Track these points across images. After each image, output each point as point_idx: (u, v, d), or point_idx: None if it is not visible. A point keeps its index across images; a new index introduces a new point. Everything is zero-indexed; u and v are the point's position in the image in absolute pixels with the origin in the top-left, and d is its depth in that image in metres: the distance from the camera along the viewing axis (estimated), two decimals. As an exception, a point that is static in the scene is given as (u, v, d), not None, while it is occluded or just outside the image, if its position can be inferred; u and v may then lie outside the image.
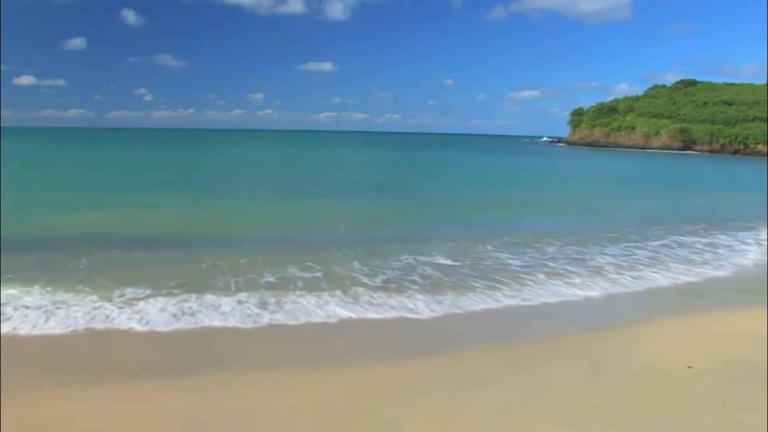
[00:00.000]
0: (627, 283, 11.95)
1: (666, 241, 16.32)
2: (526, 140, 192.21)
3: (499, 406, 6.11)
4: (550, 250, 14.63)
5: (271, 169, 45.34)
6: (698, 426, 5.74)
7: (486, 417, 5.87)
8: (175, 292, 9.86)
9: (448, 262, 12.99)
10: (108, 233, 15.40)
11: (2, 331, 7.90)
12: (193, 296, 9.68)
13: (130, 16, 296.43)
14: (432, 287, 10.92)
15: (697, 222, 19.97)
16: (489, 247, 14.63)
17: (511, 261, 13.27)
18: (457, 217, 20.83)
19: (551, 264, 13.13)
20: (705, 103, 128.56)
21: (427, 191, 29.56)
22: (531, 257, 13.74)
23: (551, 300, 10.59)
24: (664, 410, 6.07)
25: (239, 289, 10.26)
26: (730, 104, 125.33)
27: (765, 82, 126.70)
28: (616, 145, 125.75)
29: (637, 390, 6.57)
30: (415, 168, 52.34)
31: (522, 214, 22.07)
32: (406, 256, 13.21)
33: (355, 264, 12.41)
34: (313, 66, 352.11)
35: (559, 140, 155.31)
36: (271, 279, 11.07)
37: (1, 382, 6.36)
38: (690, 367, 7.26)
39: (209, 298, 9.63)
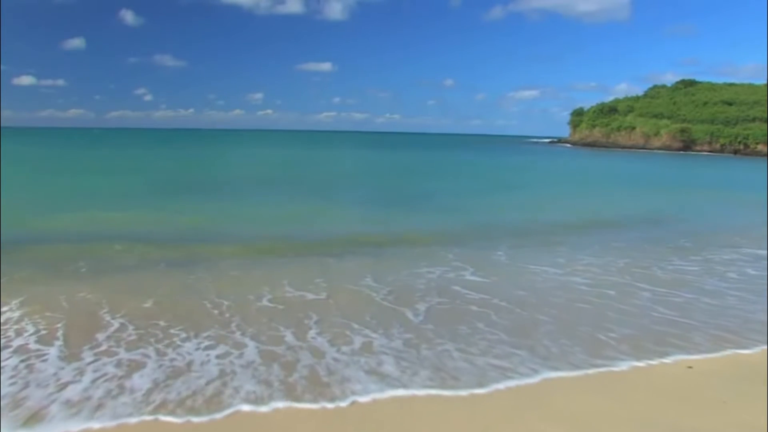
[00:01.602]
0: None
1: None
2: (532, 140, 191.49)
3: (499, 407, 6.08)
4: (597, 262, 13.00)
5: (271, 171, 44.94)
6: (698, 426, 5.71)
7: (486, 417, 5.84)
8: (169, 334, 7.77)
9: (478, 278, 11.33)
10: (101, 237, 14.99)
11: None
12: (183, 347, 7.32)
13: (128, 16, 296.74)
14: (514, 334, 8.16)
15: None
16: (499, 253, 13.81)
17: (578, 282, 11.27)
18: (467, 221, 19.67)
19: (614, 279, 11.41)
20: (705, 103, 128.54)
21: (433, 193, 28.90)
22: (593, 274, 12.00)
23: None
24: (664, 410, 6.05)
25: (240, 331, 8.01)
26: (730, 104, 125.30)
27: (765, 82, 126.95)
28: (616, 146, 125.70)
29: (637, 390, 6.55)
30: (418, 169, 51.29)
31: (544, 218, 20.64)
32: (425, 269, 11.91)
33: (368, 280, 10.84)
34: (312, 66, 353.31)
35: (559, 140, 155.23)
36: (273, 305, 9.29)
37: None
38: (690, 367, 7.23)
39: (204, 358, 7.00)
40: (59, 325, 8.14)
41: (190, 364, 6.85)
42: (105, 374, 6.51)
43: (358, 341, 7.73)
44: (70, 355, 7.06)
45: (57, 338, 7.64)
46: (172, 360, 6.94)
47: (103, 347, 7.35)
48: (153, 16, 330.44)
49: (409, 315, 8.98)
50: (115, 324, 8.19)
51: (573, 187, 35.74)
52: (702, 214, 24.59)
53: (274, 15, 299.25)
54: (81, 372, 6.58)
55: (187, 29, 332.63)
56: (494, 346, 7.70)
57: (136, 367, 6.73)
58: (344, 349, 7.45)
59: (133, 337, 7.70)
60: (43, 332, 7.84)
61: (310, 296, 9.86)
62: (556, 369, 7.00)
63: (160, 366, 6.75)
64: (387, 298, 9.85)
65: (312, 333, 8.03)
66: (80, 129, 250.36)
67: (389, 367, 6.89)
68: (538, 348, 7.68)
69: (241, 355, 7.13)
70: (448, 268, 12.16)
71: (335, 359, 7.09)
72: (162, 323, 8.29)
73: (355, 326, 8.32)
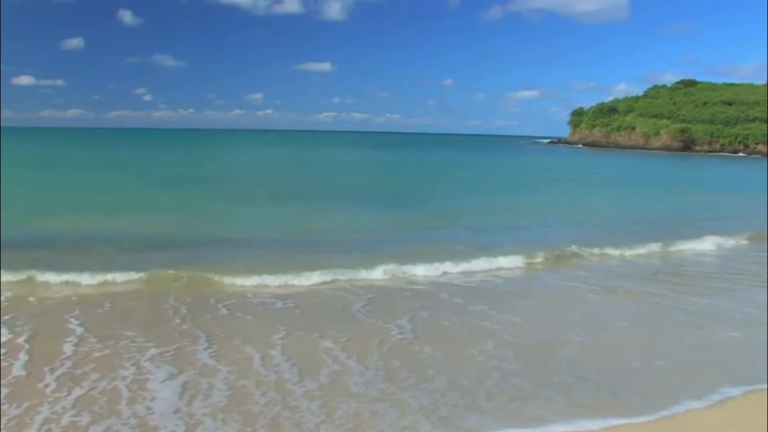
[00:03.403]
0: None
1: None
2: (532, 140, 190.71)
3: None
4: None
5: (270, 173, 44.32)
6: (698, 426, 5.68)
7: None
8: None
9: (464, 283, 11.02)
10: (96, 238, 14.94)
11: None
12: (147, 375, 6.65)
13: (127, 16, 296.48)
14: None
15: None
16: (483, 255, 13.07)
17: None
18: (455, 223, 19.27)
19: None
20: (705, 103, 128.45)
21: (426, 195, 28.43)
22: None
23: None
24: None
25: (208, 350, 7.44)
26: (730, 104, 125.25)
27: (765, 82, 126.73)
28: (616, 146, 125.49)
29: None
30: (416, 171, 50.00)
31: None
32: (404, 271, 11.54)
33: (352, 299, 10.00)
34: (311, 66, 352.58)
35: (559, 140, 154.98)
36: (241, 314, 8.89)
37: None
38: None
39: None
40: (28, 327, 8.10)
41: (150, 410, 5.88)
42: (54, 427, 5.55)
43: (342, 375, 6.74)
44: (27, 383, 6.43)
45: (22, 348, 7.42)
46: (133, 401, 6.09)
47: (67, 366, 6.90)
48: (151, 16, 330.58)
49: (395, 332, 8.24)
50: (79, 331, 8.09)
51: (573, 188, 35.12)
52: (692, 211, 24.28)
53: (272, 15, 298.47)
54: (29, 417, 5.69)
55: (186, 29, 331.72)
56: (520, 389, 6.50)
57: (94, 414, 5.76)
58: (319, 389, 6.39)
59: (96, 354, 7.27)
60: (9, 337, 7.73)
61: (279, 304, 9.58)
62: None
63: (120, 411, 5.84)
64: (362, 310, 9.32)
65: (280, 357, 7.26)
66: (80, 129, 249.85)
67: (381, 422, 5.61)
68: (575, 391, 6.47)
69: (207, 394, 6.27)
70: (428, 271, 11.80)
71: (310, 410, 5.90)
72: (128, 333, 8.05)
73: (329, 345, 7.59)
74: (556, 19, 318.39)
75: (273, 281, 10.70)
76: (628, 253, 14.32)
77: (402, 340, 8.03)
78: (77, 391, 6.22)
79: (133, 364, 6.98)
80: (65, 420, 5.63)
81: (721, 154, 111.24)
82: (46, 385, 6.37)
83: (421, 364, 7.12)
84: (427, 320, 8.99)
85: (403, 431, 5.48)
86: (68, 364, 6.98)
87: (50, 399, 6.07)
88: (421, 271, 11.82)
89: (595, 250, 14.17)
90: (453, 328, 8.69)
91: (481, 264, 12.44)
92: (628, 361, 7.44)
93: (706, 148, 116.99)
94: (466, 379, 6.66)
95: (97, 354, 7.30)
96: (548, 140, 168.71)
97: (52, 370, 6.78)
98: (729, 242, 16.00)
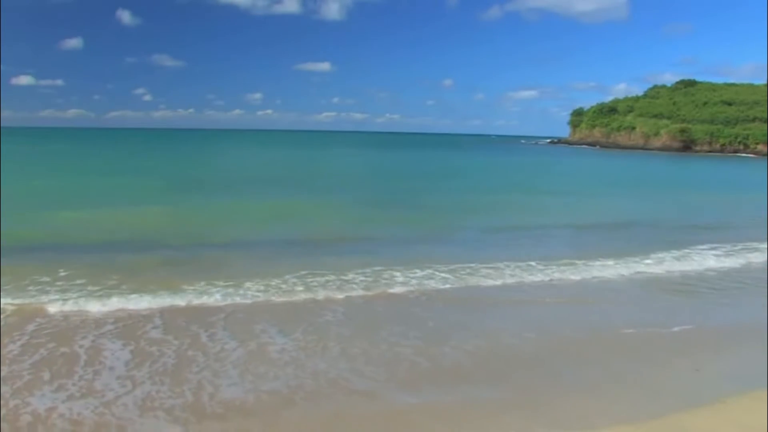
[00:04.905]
0: None
1: None
2: (532, 140, 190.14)
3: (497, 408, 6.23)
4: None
5: (270, 174, 42.77)
6: (698, 426, 5.81)
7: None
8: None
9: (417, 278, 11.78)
10: (91, 239, 15.24)
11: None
12: (103, 351, 7.39)
13: (125, 16, 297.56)
14: None
15: None
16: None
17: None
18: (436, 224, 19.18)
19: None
20: (705, 103, 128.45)
21: (416, 195, 28.07)
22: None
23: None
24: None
25: (163, 332, 8.24)
26: (730, 104, 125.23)
27: (765, 82, 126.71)
28: (616, 146, 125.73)
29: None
30: (413, 171, 49.13)
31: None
32: (361, 268, 11.60)
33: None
34: (311, 66, 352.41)
35: (559, 140, 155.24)
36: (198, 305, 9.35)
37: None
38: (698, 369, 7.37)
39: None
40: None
41: (83, 386, 6.43)
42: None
43: (267, 346, 7.55)
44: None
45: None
46: (61, 385, 6.48)
47: (20, 345, 7.51)
48: (150, 16, 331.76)
49: (328, 316, 8.97)
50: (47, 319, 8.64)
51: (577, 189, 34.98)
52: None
53: (271, 15, 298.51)
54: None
55: (185, 29, 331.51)
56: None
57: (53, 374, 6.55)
58: (246, 357, 7.19)
59: (43, 338, 7.76)
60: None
61: (239, 299, 9.93)
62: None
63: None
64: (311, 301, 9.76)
65: (222, 333, 8.06)
66: (80, 129, 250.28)
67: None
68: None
69: (152, 363, 7.07)
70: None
71: (228, 375, 6.74)
72: (95, 316, 8.77)
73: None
74: (555, 19, 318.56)
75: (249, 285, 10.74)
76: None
77: (331, 322, 8.80)
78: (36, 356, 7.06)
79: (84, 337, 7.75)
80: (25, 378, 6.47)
81: (721, 154, 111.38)
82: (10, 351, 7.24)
83: (333, 339, 8.00)
84: (361, 307, 9.63)
85: (290, 389, 6.44)
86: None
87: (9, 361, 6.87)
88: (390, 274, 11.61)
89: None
90: (381, 314, 9.33)
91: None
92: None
93: (706, 148, 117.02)
94: (359, 349, 7.61)
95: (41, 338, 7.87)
96: (548, 140, 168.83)
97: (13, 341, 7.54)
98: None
